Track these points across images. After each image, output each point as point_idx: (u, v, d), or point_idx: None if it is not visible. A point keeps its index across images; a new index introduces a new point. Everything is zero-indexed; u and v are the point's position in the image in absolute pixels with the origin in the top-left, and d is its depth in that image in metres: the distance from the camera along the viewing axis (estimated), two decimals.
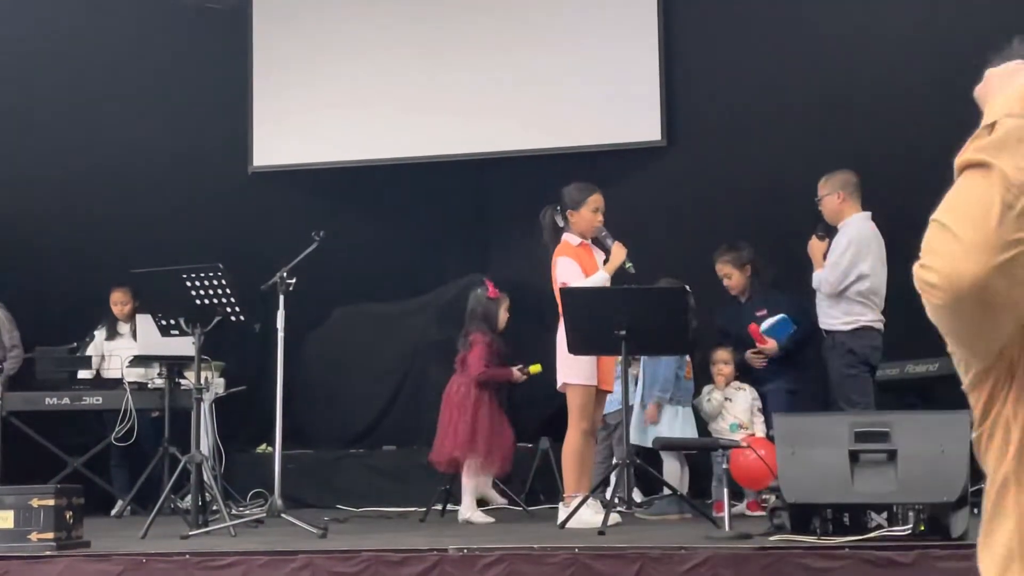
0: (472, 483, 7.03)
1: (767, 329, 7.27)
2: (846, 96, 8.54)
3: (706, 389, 7.35)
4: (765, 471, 5.84)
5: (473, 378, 7.02)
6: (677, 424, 7.21)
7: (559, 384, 6.37)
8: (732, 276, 7.53)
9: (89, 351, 8.63)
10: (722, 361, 7.30)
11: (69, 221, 9.10)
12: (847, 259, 6.46)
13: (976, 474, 5.07)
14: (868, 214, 6.63)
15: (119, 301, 8.63)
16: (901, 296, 6.73)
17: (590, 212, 6.46)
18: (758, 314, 7.36)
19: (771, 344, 7.23)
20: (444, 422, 7.14)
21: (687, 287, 6.65)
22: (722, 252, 7.58)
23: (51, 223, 9.04)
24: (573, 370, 6.25)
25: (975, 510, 5.80)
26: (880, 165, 8.02)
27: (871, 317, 6.48)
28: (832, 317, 6.53)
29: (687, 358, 7.23)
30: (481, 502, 7.27)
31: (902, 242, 6.75)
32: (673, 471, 7.10)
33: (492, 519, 6.96)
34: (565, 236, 6.47)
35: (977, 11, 7.93)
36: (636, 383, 7.23)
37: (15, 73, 9.18)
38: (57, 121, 9.27)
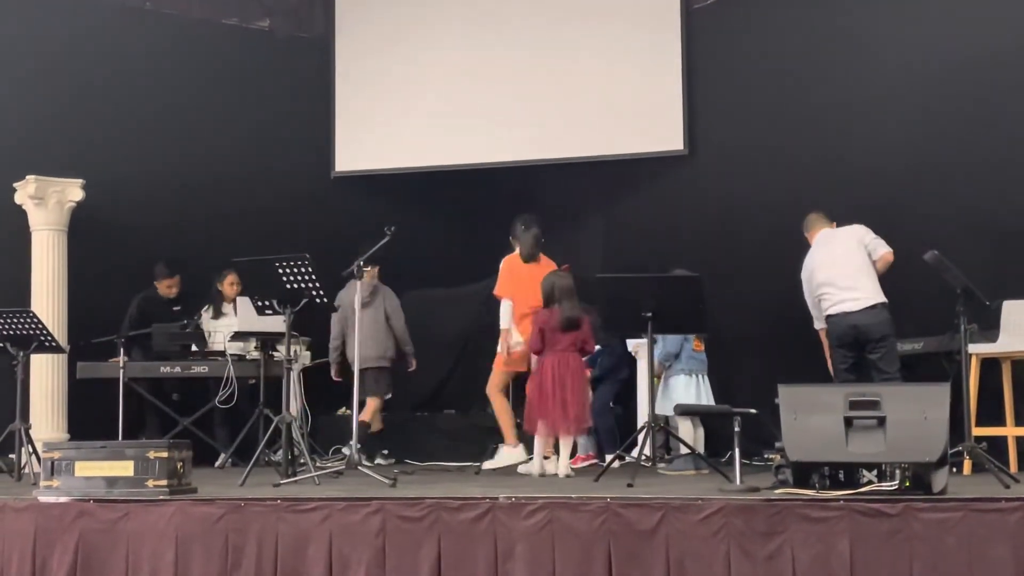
0: (567, 442, 6.39)
1: None
2: (856, 110, 8.22)
3: None
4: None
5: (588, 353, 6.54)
6: (692, 391, 7.13)
7: None
8: None
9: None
10: None
11: (178, 222, 9.12)
12: (804, 285, 6.80)
13: (955, 437, 5.01)
14: (824, 231, 6.81)
15: (234, 282, 8.65)
16: (893, 285, 6.61)
17: None
18: None
19: None
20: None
21: (699, 276, 6.55)
22: None
23: (162, 224, 9.09)
24: None
25: (954, 469, 5.73)
26: (878, 173, 7.92)
27: (827, 305, 6.64)
28: (819, 320, 6.82)
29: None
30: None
31: (893, 239, 6.66)
32: (687, 432, 7.04)
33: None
34: None
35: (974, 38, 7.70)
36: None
37: (139, 100, 9.23)
38: (171, 138, 9.29)
